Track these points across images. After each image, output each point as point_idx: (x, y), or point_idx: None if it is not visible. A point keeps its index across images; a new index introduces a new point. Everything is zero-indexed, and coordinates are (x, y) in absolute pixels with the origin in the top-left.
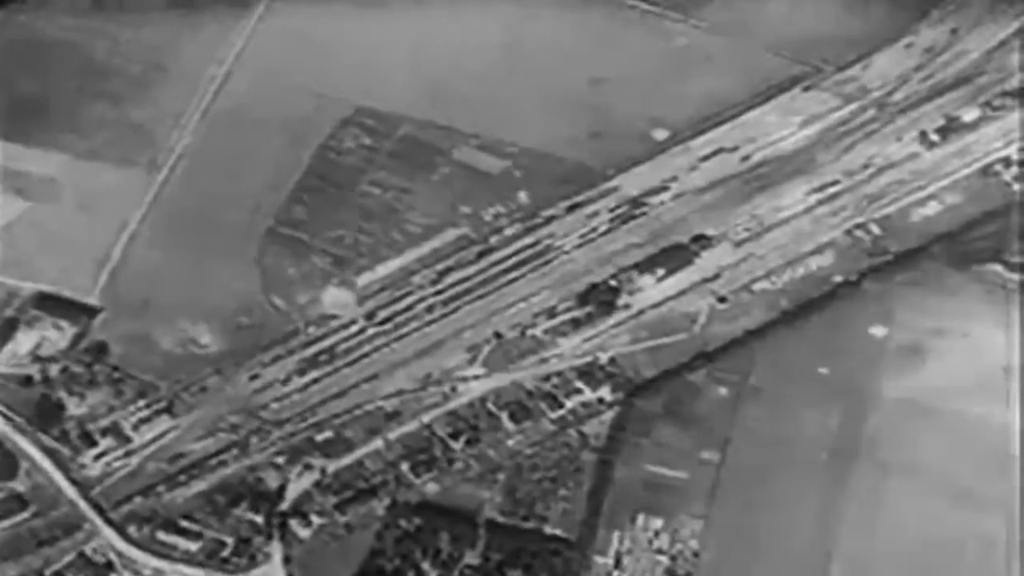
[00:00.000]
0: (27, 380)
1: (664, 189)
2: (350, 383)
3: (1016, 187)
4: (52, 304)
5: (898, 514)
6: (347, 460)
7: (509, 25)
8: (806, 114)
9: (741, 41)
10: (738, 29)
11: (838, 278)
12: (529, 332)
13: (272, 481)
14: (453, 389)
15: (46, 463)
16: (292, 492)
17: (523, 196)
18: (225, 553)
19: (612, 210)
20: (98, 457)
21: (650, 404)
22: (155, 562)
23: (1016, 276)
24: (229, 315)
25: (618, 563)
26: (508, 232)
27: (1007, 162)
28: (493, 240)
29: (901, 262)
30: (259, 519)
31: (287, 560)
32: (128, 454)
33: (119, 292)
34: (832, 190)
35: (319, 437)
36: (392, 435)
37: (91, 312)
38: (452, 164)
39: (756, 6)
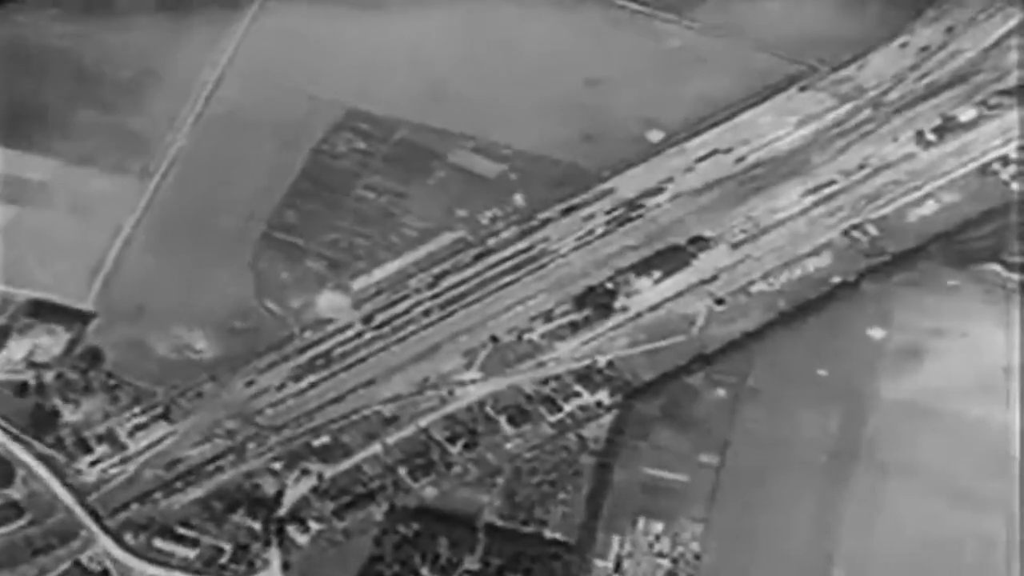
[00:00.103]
0: (22, 387)
1: (660, 191)
2: (347, 388)
3: (1014, 186)
4: (46, 310)
5: (897, 515)
6: (345, 465)
7: (504, 28)
8: (801, 114)
9: (736, 42)
10: (733, 30)
11: (836, 279)
12: (526, 336)
13: (269, 487)
14: (451, 393)
15: (42, 470)
16: (290, 498)
17: (519, 199)
18: (223, 560)
19: (608, 212)
20: (94, 464)
21: (649, 407)
22: (152, 570)
23: (1015, 276)
24: (224, 320)
25: (618, 567)
26: (504, 235)
27: (1005, 161)
28: (490, 243)
29: (899, 263)
30: (257, 525)
31: (286, 566)
32: (124, 461)
33: (113, 298)
34: (828, 191)
35: (316, 442)
36: (390, 440)
37: (85, 318)
38: (448, 168)
39: (750, 6)
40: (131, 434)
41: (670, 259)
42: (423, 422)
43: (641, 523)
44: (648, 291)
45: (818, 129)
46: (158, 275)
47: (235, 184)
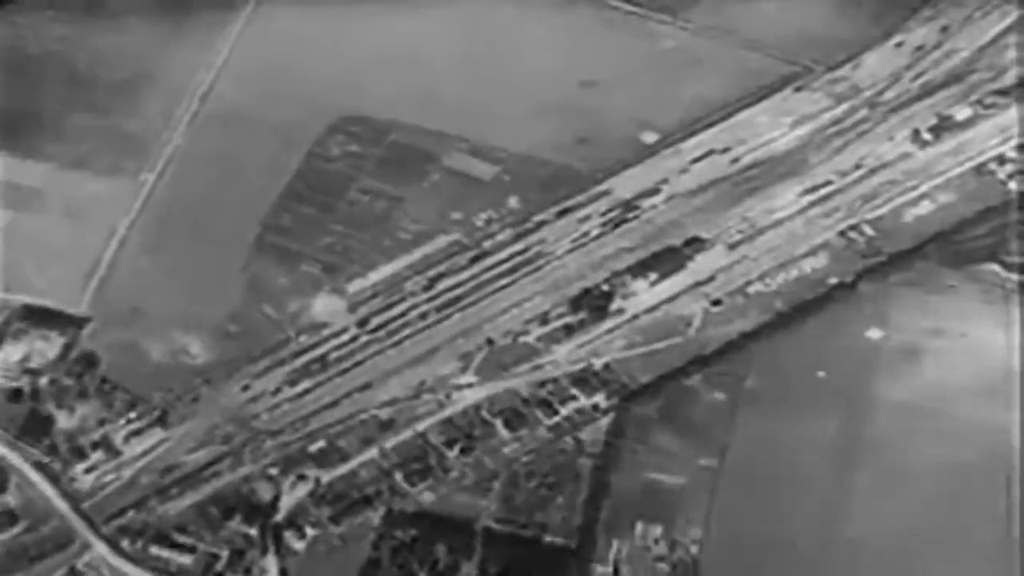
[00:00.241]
0: (16, 393)
1: (655, 192)
2: (343, 392)
3: (1012, 185)
4: (40, 315)
5: (897, 516)
6: (341, 470)
7: (497, 31)
8: (797, 115)
9: (730, 42)
10: (727, 30)
11: (833, 280)
12: (522, 339)
13: (266, 492)
14: (447, 397)
15: (36, 477)
16: (286, 503)
17: (514, 201)
18: (219, 566)
19: (603, 214)
20: (89, 470)
21: (646, 410)
22: None
23: (1014, 276)
24: (219, 324)
25: (617, 571)
26: (500, 238)
27: (1002, 160)
28: (485, 246)
29: (895, 263)
30: (253, 531)
31: (283, 573)
32: (119, 467)
33: (108, 302)
34: (824, 191)
35: (313, 447)
36: (386, 444)
37: (79, 322)
38: (442, 170)
39: (745, 7)
40: (126, 440)
41: (666, 260)
42: (420, 426)
43: (639, 527)
44: (644, 293)
45: (814, 129)
46: (153, 279)
47: (230, 187)
